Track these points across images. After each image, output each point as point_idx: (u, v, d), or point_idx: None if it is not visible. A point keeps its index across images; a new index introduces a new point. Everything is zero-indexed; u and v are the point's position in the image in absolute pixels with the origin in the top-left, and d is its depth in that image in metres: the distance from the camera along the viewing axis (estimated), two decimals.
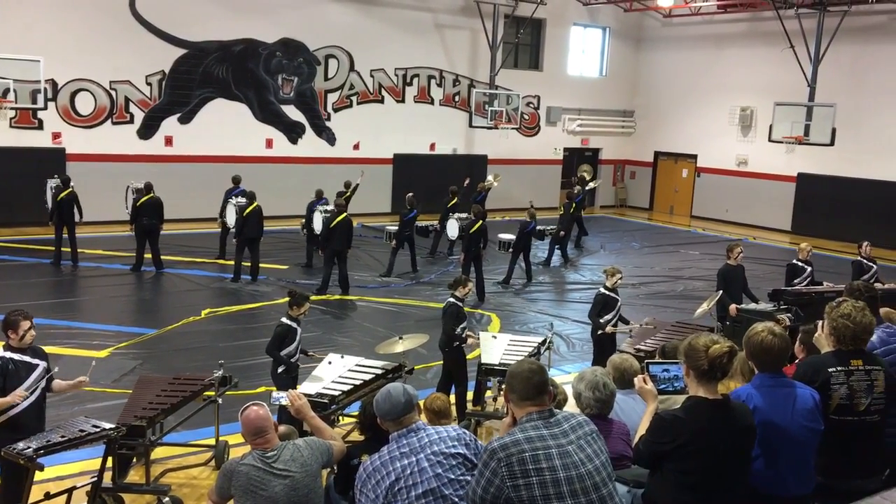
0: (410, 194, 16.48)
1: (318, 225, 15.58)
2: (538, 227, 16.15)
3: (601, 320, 9.66)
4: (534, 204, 17.21)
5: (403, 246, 15.92)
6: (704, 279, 15.81)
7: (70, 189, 14.94)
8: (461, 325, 8.70)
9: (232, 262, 14.90)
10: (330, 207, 15.38)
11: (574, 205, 18.35)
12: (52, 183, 16.02)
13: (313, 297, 11.16)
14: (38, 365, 5.95)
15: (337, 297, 13.69)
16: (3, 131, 17.91)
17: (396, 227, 16.02)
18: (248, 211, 14.54)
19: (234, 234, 15.11)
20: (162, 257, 14.95)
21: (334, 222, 13.85)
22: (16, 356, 5.85)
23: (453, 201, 17.92)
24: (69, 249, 14.93)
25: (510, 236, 16.16)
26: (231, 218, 15.51)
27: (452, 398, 8.46)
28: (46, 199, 16.45)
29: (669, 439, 3.66)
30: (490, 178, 20.53)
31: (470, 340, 8.80)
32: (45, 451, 5.55)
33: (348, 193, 17.06)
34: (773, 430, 3.92)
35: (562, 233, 17.74)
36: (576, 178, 23.09)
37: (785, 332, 4.19)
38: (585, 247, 19.84)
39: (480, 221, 14.41)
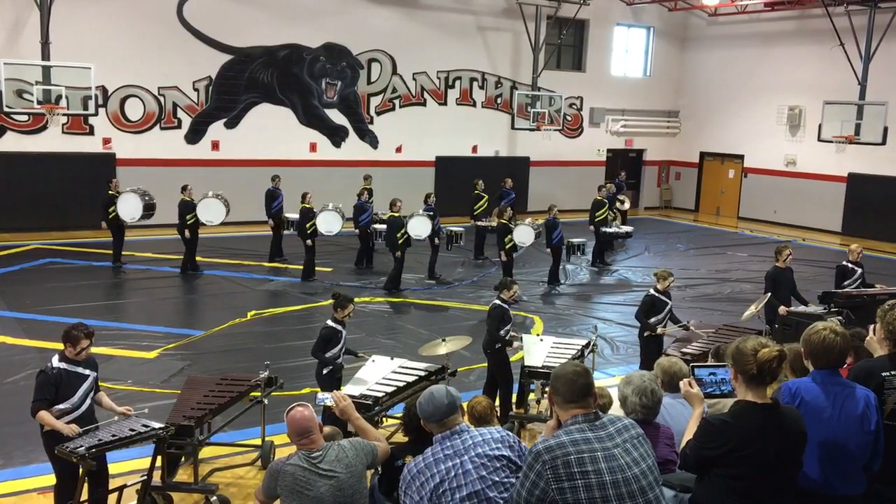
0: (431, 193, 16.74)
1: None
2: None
3: (649, 321, 9.59)
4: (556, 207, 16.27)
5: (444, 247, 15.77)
6: (752, 281, 15.55)
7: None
8: (505, 328, 8.66)
9: (280, 266, 15.07)
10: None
11: (605, 201, 17.80)
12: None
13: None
14: (88, 375, 6.07)
15: (382, 298, 13.80)
16: (56, 137, 18.40)
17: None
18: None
19: (296, 234, 15.36)
20: (209, 259, 15.23)
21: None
22: (69, 367, 5.97)
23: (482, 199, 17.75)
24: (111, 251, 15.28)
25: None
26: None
27: (497, 401, 8.46)
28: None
29: (717, 444, 3.60)
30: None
31: (515, 344, 8.75)
32: (98, 449, 5.68)
33: (367, 186, 17.13)
34: (816, 426, 3.85)
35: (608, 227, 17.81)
36: (620, 175, 23.00)
37: (846, 330, 4.12)
38: (605, 259, 17.79)
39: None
